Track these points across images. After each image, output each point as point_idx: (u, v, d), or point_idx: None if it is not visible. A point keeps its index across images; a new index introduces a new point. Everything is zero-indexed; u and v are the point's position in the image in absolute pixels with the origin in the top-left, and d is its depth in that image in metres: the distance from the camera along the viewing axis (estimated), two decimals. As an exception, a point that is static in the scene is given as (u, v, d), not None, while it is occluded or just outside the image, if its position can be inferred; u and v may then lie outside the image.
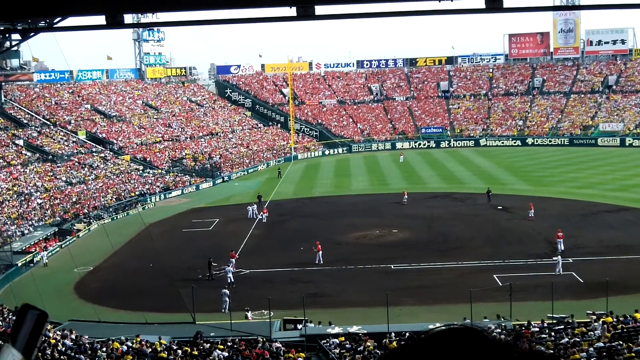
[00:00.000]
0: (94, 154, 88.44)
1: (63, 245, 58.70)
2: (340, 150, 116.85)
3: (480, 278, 42.82)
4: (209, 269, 46.15)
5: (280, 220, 63.65)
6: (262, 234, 59.80)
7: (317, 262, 48.89)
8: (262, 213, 63.78)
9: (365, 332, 31.92)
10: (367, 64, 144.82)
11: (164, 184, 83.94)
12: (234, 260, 48.32)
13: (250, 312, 38.01)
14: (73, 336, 30.48)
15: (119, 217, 70.57)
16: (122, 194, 77.28)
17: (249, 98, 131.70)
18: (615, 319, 28.81)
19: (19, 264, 51.66)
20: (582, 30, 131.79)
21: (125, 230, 62.15)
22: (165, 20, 15.56)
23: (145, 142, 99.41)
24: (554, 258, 44.18)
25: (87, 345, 28.94)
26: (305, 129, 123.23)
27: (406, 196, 69.04)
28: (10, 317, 33.87)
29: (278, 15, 13.37)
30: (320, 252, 49.08)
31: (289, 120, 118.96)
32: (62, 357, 26.12)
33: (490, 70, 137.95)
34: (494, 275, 43.19)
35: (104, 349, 27.93)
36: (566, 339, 26.61)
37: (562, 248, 47.32)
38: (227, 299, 39.19)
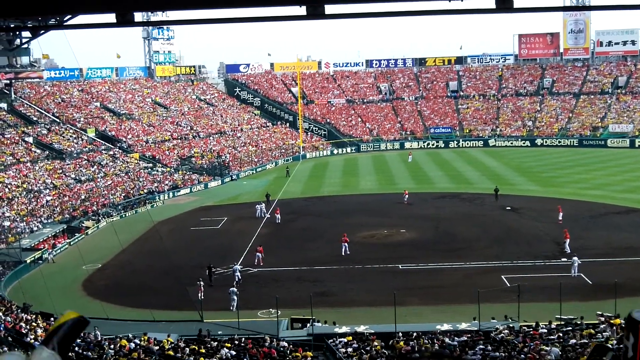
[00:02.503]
0: (103, 151, 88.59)
1: (72, 243, 58.91)
2: (348, 149, 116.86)
3: (488, 278, 42.75)
4: (209, 275, 45.10)
5: (288, 219, 63.61)
6: (270, 232, 59.82)
7: (343, 253, 50.34)
8: (275, 213, 63.43)
9: (373, 331, 31.89)
10: (376, 64, 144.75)
11: (172, 182, 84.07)
12: (260, 255, 48.98)
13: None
14: (81, 333, 30.53)
15: (127, 215, 70.70)
16: (131, 191, 77.41)
17: (257, 97, 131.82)
18: (623, 321, 28.70)
19: (28, 261, 51.82)
20: (592, 31, 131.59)
21: (134, 228, 62.30)
22: (175, 19, 15.53)
23: (154, 140, 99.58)
24: (571, 259, 43.91)
25: (94, 342, 29.00)
26: (314, 128, 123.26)
27: (407, 195, 69.16)
28: (18, 313, 33.95)
29: (287, 14, 13.36)
30: (347, 244, 50.64)
31: (298, 119, 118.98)
32: (69, 354, 26.17)
33: (500, 70, 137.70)
34: (502, 276, 43.13)
35: (112, 346, 27.98)
36: (574, 341, 26.54)
37: (568, 249, 47.31)
38: (235, 297, 39.29)
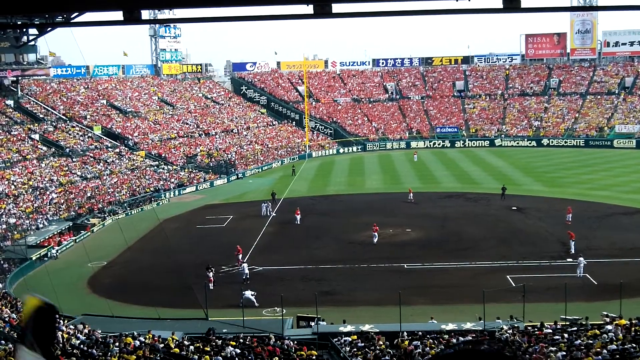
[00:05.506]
0: (109, 149, 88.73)
1: (77, 240, 59.05)
2: (354, 148, 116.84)
3: (493, 278, 42.74)
4: (207, 275, 44.25)
5: (293, 217, 63.55)
6: (276, 231, 59.86)
7: (374, 242, 53.06)
8: (295, 214, 62.59)
9: (378, 330, 31.86)
10: (382, 63, 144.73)
11: (178, 180, 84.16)
12: (239, 255, 48.70)
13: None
14: (86, 330, 30.59)
15: (133, 212, 70.78)
16: (137, 189, 77.51)
17: (264, 95, 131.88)
18: (628, 322, 28.65)
19: (33, 258, 51.94)
20: (599, 31, 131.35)
21: (139, 226, 62.36)
22: (182, 17, 15.56)
23: (160, 138, 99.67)
24: (576, 259, 43.81)
25: (100, 339, 29.04)
26: (320, 127, 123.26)
27: (411, 194, 69.30)
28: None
29: (295, 13, 13.36)
30: (376, 233, 53.42)
31: (304, 118, 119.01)
32: (74, 351, 26.23)
33: (507, 70, 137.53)
34: (507, 276, 43.10)
35: (117, 343, 28.02)
36: (579, 341, 26.50)
37: (573, 250, 47.26)
38: (251, 297, 39.65)
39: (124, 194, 74.88)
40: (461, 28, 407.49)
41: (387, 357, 26.87)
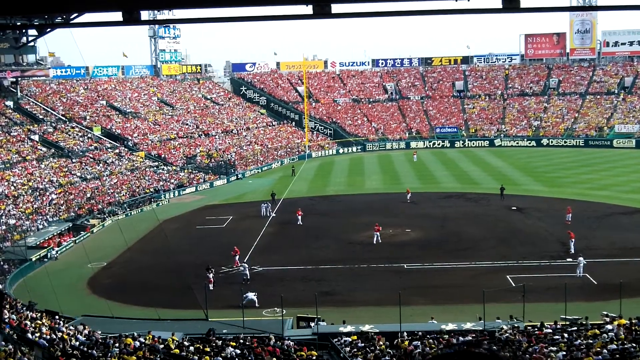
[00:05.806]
0: (109, 150, 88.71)
1: (77, 241, 59.05)
2: (354, 149, 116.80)
3: (493, 278, 42.74)
4: (207, 276, 44.11)
5: (294, 218, 63.57)
6: (275, 231, 59.86)
7: (374, 242, 53.29)
8: (297, 214, 62.54)
9: (378, 331, 31.85)
10: (382, 63, 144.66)
11: (178, 180, 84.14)
12: (237, 256, 48.58)
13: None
14: (86, 331, 30.58)
15: (133, 213, 70.75)
16: (137, 190, 77.47)
17: (263, 96, 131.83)
18: (628, 322, 28.65)
19: (33, 259, 51.91)
20: (598, 31, 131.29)
21: (139, 227, 62.31)
22: (181, 18, 15.54)
23: (160, 138, 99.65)
24: (576, 259, 43.77)
25: (99, 340, 29.03)
26: (320, 127, 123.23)
27: (410, 194, 69.31)
28: (23, 311, 33.99)
29: (294, 13, 13.36)
30: (379, 232, 53.60)
31: (304, 118, 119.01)
32: (74, 352, 26.22)
33: (506, 70, 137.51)
34: (507, 276, 43.09)
35: (117, 344, 28.01)
36: (579, 341, 26.50)
37: (573, 249, 47.22)
38: (253, 297, 39.71)
39: (123, 195, 74.86)
40: (461, 28, 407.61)
41: (387, 358, 26.87)
